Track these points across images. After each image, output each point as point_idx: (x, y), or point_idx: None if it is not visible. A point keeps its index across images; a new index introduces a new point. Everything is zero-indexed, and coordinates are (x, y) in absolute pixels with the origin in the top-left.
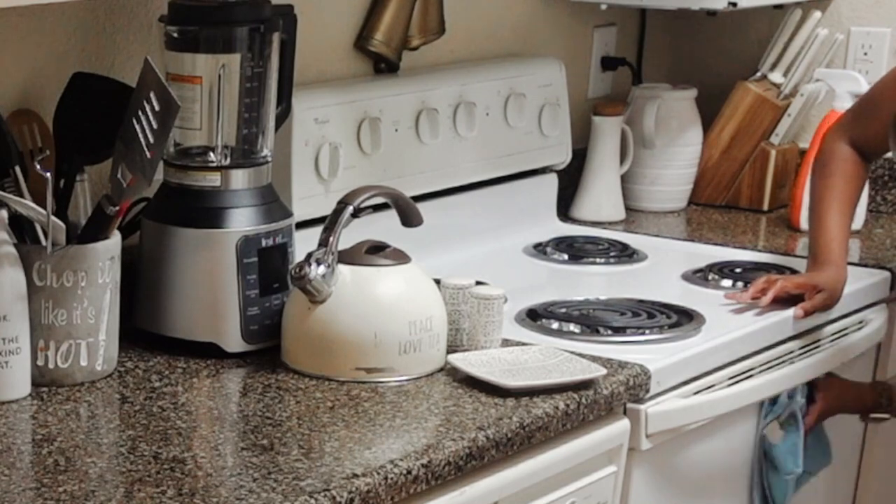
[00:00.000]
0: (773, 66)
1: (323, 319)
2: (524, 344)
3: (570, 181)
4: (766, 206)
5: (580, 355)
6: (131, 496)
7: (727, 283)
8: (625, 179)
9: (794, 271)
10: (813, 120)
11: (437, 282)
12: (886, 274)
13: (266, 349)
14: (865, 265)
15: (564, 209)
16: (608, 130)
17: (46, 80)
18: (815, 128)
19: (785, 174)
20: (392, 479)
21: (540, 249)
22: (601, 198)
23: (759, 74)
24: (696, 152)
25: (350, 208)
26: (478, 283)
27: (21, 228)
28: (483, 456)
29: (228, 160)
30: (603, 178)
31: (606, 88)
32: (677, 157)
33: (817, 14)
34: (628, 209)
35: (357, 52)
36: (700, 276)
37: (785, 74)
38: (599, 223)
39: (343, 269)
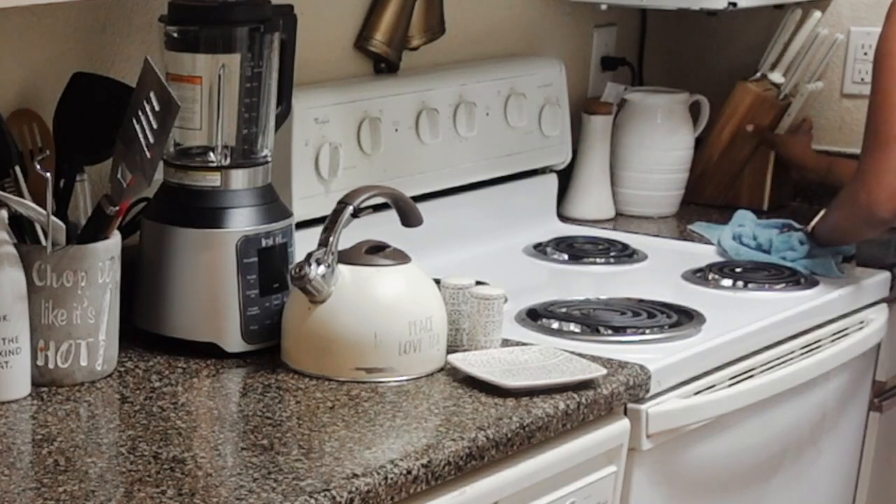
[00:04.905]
0: (773, 66)
1: (323, 319)
2: (524, 344)
3: (570, 181)
4: (765, 206)
5: (580, 355)
6: (131, 496)
7: (727, 282)
8: (613, 183)
9: (793, 271)
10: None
11: (437, 282)
12: (886, 274)
13: (266, 349)
14: (866, 265)
15: (560, 209)
16: (599, 128)
17: (46, 80)
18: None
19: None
20: (392, 479)
21: (540, 249)
22: (590, 195)
23: (758, 74)
24: (685, 157)
25: (350, 208)
26: (478, 283)
27: (21, 228)
28: (483, 456)
29: (228, 160)
30: (593, 175)
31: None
32: (665, 162)
33: (817, 14)
34: (618, 214)
35: (357, 52)
36: (700, 275)
37: (785, 74)
38: (587, 221)
39: (343, 269)
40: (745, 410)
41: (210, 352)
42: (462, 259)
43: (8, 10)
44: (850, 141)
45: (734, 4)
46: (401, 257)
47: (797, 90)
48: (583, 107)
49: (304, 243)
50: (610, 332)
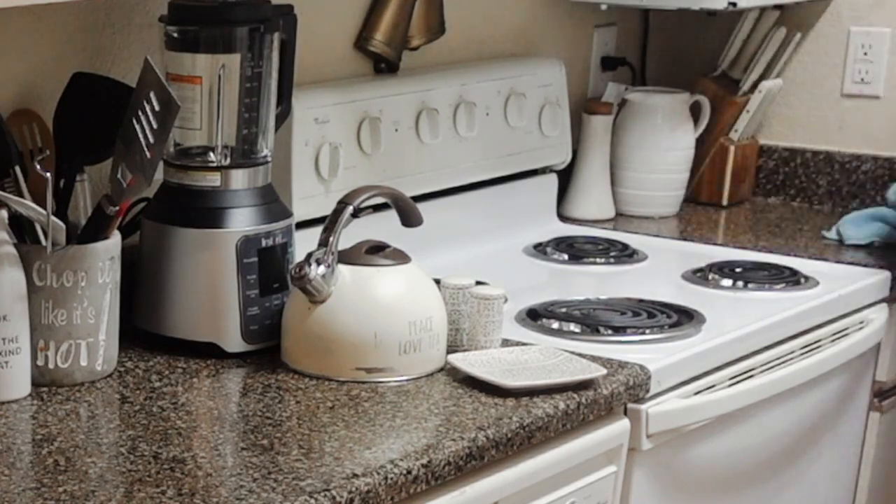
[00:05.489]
0: (732, 64)
1: (323, 319)
2: (524, 344)
3: (570, 181)
4: (724, 202)
5: (580, 355)
6: (131, 496)
7: (727, 282)
8: (613, 183)
9: (794, 271)
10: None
11: (437, 282)
12: (886, 274)
13: (266, 349)
14: (866, 265)
15: (560, 209)
16: (599, 128)
17: (46, 80)
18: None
19: (744, 170)
20: (392, 479)
21: (540, 249)
22: (590, 195)
23: (718, 71)
24: (685, 157)
25: (350, 208)
26: (478, 283)
27: (21, 228)
28: (483, 456)
29: (228, 160)
30: (593, 175)
31: (606, 88)
32: (665, 162)
33: (776, 13)
34: (618, 214)
35: (357, 52)
36: (700, 275)
37: (744, 71)
38: (587, 221)
39: (343, 269)
40: (745, 410)
41: (210, 352)
42: (462, 259)
43: (8, 11)
44: (849, 141)
45: (734, 4)
46: (401, 257)
47: (756, 87)
48: (583, 107)
49: (304, 243)
50: (610, 332)
